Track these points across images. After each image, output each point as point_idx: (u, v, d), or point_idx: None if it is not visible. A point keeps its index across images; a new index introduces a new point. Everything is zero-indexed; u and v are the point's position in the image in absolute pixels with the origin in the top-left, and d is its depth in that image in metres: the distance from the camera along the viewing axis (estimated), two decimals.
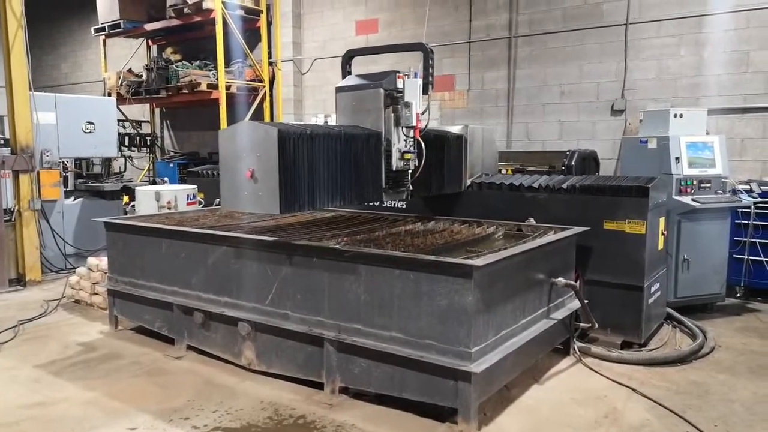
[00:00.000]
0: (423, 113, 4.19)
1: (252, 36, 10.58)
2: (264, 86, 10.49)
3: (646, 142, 5.79)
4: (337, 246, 3.80)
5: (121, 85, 11.16)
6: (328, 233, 4.67)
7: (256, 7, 10.36)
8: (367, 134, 4.00)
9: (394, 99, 4.07)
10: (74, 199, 8.22)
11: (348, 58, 4.68)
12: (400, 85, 4.06)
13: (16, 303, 6.34)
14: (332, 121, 9.37)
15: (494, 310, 3.49)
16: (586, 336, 4.81)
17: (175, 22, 10.37)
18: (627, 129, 7.47)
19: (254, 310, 4.23)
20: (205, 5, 9.62)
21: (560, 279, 4.17)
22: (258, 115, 10.47)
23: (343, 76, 4.54)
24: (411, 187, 4.31)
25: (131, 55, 12.24)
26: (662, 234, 4.98)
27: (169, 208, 6.75)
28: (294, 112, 10.47)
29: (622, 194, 4.65)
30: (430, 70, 4.18)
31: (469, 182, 5.30)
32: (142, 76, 11.27)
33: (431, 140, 4.53)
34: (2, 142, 7.88)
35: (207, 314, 4.50)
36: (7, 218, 7.06)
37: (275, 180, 3.37)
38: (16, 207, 7.02)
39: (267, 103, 10.55)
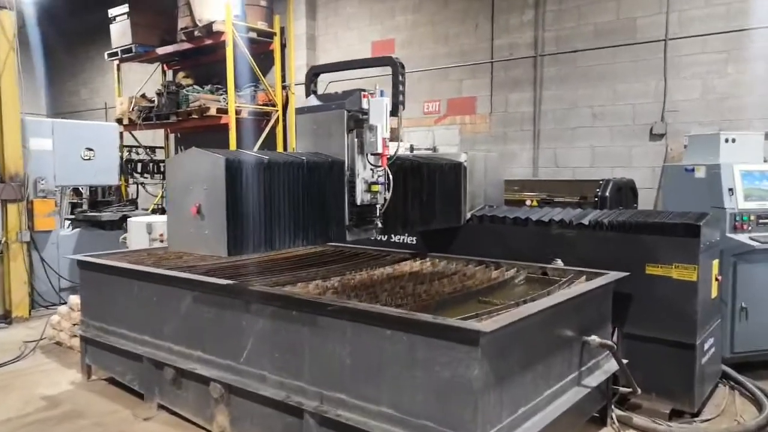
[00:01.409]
0: (393, 138, 3.58)
1: (265, 59, 10.17)
2: (277, 110, 10.03)
3: (693, 170, 5.03)
4: (318, 299, 3.15)
5: (133, 110, 10.85)
6: (320, 274, 4.05)
7: (270, 30, 9.97)
8: (330, 162, 3.42)
9: (359, 122, 3.48)
10: (71, 230, 7.81)
11: (312, 75, 4.09)
12: (366, 105, 3.47)
13: None
14: None
15: (509, 383, 2.79)
16: (626, 401, 4.03)
17: (186, 45, 10.05)
18: (668, 155, 6.69)
19: (228, 369, 3.60)
20: (215, 27, 9.26)
21: (594, 337, 3.44)
22: (270, 141, 10.00)
23: (307, 95, 3.96)
24: (379, 224, 3.66)
25: (145, 81, 11.97)
26: (716, 279, 4.21)
27: (162, 241, 6.22)
28: None
29: (667, 233, 3.91)
30: (401, 88, 3.58)
31: (468, 215, 4.65)
32: (154, 101, 10.95)
33: (415, 169, 4.00)
34: None
35: (178, 370, 3.89)
36: None
37: (222, 216, 2.88)
38: (4, 239, 6.59)
39: (280, 128, 10.08)
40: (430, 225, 4.30)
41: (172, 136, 12.35)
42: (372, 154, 3.48)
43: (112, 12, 10.96)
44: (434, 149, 8.40)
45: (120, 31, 10.89)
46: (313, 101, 3.69)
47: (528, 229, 4.45)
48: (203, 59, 10.87)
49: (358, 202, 3.50)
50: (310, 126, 3.62)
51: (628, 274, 3.86)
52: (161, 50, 10.64)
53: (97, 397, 4.46)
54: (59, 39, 14.61)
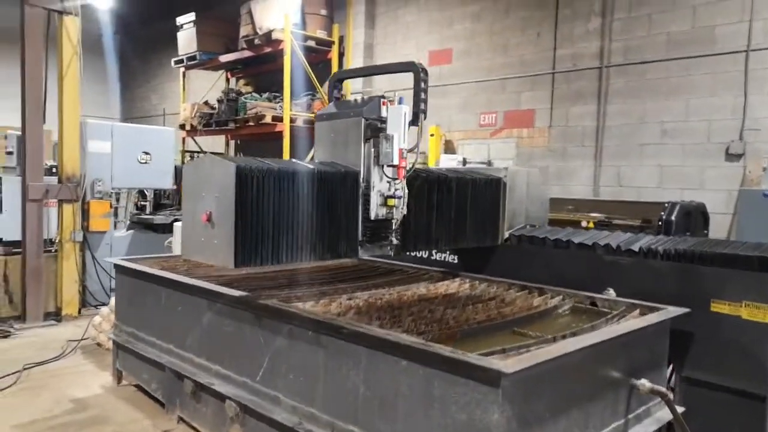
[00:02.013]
0: (412, 149, 3.30)
1: (324, 68, 10.13)
2: None
3: None
4: (332, 320, 2.92)
5: (195, 116, 11.08)
6: (348, 291, 3.84)
7: (328, 38, 9.94)
8: (343, 173, 3.20)
9: (377, 130, 3.23)
10: (126, 231, 7.97)
11: (336, 81, 3.89)
12: (385, 113, 3.22)
13: (41, 341, 5.96)
14: None
15: (539, 429, 2.46)
16: None
17: (247, 53, 10.17)
18: (746, 178, 6.08)
19: (244, 387, 3.43)
20: (274, 36, 9.30)
21: (644, 382, 3.03)
22: None
23: (329, 101, 3.75)
24: (395, 241, 3.38)
25: (209, 88, 12.23)
26: None
27: None
28: None
29: (737, 266, 3.44)
30: (423, 96, 3.28)
31: (507, 234, 4.30)
32: (215, 108, 11.15)
33: (443, 182, 3.74)
34: (55, 170, 7.75)
35: (197, 384, 3.76)
36: (49, 249, 6.83)
37: (230, 226, 2.75)
38: (58, 238, 6.77)
39: None
40: (459, 243, 4.01)
41: (232, 143, 12.56)
42: (388, 166, 3.24)
43: (180, 20, 11.28)
44: (489, 163, 8.06)
45: (186, 38, 11.18)
46: (332, 108, 3.51)
47: (578, 253, 4.06)
48: (264, 67, 10.99)
49: (372, 217, 3.25)
50: (328, 134, 3.43)
51: (689, 310, 3.42)
52: (224, 58, 10.83)
53: (123, 404, 4.41)
54: (134, 47, 15.27)
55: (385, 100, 3.24)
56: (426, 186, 3.60)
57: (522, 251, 4.27)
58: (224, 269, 4.47)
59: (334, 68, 10.05)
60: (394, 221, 3.33)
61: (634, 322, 3.16)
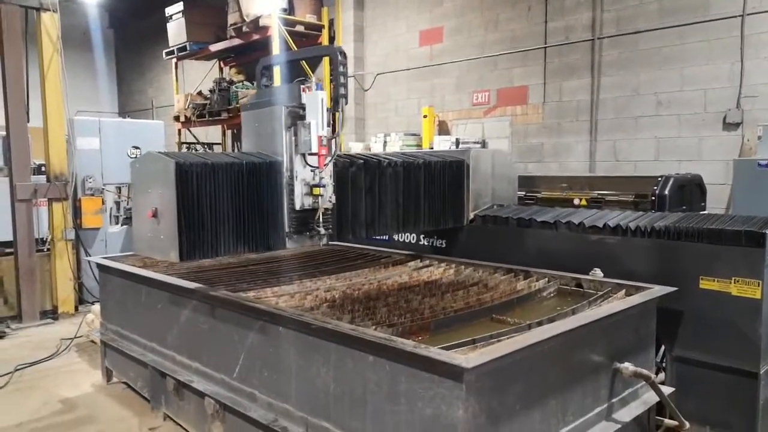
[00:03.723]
0: (333, 136, 3.21)
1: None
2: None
3: (767, 165, 4.33)
4: (301, 316, 2.84)
5: (188, 107, 11.00)
6: (327, 282, 3.77)
7: (318, 22, 9.77)
8: (267, 164, 3.18)
9: (298, 118, 3.16)
10: (120, 227, 7.94)
11: (263, 68, 3.78)
12: (304, 100, 3.15)
13: (36, 340, 5.98)
14: (392, 141, 8.49)
15: (508, 423, 2.37)
16: None
17: (236, 41, 10.04)
18: (744, 147, 5.90)
19: (222, 384, 3.37)
20: (262, 22, 9.16)
21: (627, 365, 2.93)
22: None
23: (258, 89, 3.67)
24: (322, 230, 3.29)
25: (203, 78, 12.12)
26: None
27: None
28: (356, 132, 9.70)
29: (726, 241, 3.32)
30: (342, 80, 3.20)
31: (472, 215, 4.34)
32: (209, 98, 11.05)
33: (395, 167, 3.76)
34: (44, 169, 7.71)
35: (178, 382, 3.72)
36: (42, 248, 6.82)
37: (174, 221, 2.80)
38: (50, 237, 6.75)
39: None
40: (410, 227, 4.02)
41: (229, 133, 12.47)
42: (308, 154, 3.16)
43: (169, 11, 11.14)
44: (483, 143, 7.91)
45: (176, 29, 11.06)
46: (258, 96, 3.45)
47: (563, 233, 3.96)
48: (255, 55, 10.81)
49: (298, 207, 3.19)
50: (253, 123, 3.38)
51: (675, 289, 3.30)
52: (214, 47, 10.71)
53: (112, 403, 4.40)
54: (128, 40, 15.13)
55: (305, 87, 3.15)
56: (363, 173, 3.58)
57: (487, 231, 4.32)
58: (209, 263, 4.43)
59: None
60: (319, 211, 3.24)
61: (615, 305, 3.05)
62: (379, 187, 3.70)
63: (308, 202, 3.21)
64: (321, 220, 3.25)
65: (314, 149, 3.11)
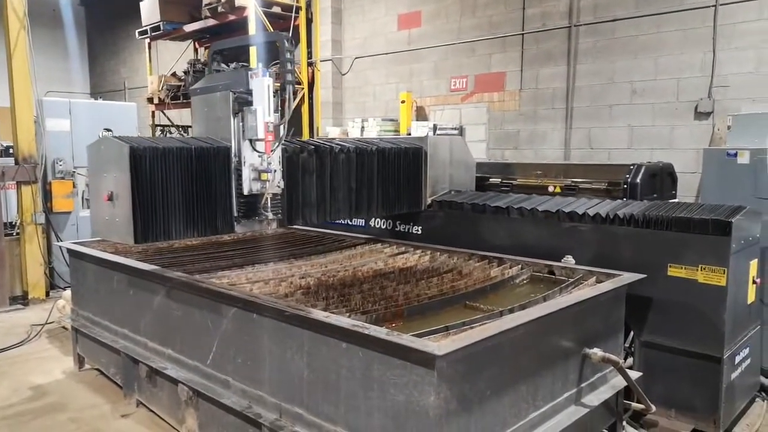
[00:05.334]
0: (281, 122, 3.25)
1: (293, 35, 9.84)
2: (302, 88, 9.73)
3: (735, 155, 4.43)
4: (275, 303, 2.83)
5: (162, 89, 10.79)
6: (303, 267, 3.77)
7: (295, 3, 9.62)
8: (216, 149, 3.22)
9: (245, 104, 3.19)
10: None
11: (214, 53, 3.77)
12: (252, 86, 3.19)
13: (6, 326, 5.88)
14: (369, 126, 8.45)
15: (481, 409, 2.41)
16: (641, 418, 3.58)
17: (211, 22, 9.85)
18: (715, 136, 6.01)
19: (196, 371, 3.36)
20: (237, 3, 9.00)
21: (595, 350, 2.99)
22: (296, 121, 9.72)
23: (209, 73, 3.66)
24: (270, 215, 3.33)
25: (177, 59, 11.90)
26: (753, 283, 3.66)
27: None
28: (333, 116, 9.63)
29: (693, 230, 3.39)
30: (289, 66, 3.23)
31: (429, 201, 4.51)
32: (183, 80, 10.86)
33: (343, 153, 3.84)
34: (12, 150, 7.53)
35: (151, 369, 3.70)
36: (11, 233, 6.68)
37: (128, 204, 2.91)
38: (19, 221, 6.60)
39: (306, 108, 9.79)
40: (363, 212, 4.10)
41: None
42: (255, 140, 3.19)
43: None
44: (460, 129, 7.92)
45: (149, 7, 10.80)
46: (207, 80, 3.47)
47: (536, 220, 4.01)
48: (231, 36, 10.64)
49: (246, 192, 3.23)
50: (203, 108, 3.39)
51: (644, 276, 3.37)
52: (188, 27, 10.49)
53: (83, 389, 4.35)
54: (100, 18, 14.73)
55: (253, 72, 3.15)
56: (314, 158, 3.61)
57: (443, 216, 4.47)
58: (183, 248, 4.39)
59: (302, 35, 9.78)
60: (267, 195, 3.27)
61: (586, 291, 3.11)
62: (331, 173, 3.75)
63: (256, 187, 3.25)
64: (269, 204, 3.27)
65: (261, 135, 3.14)
